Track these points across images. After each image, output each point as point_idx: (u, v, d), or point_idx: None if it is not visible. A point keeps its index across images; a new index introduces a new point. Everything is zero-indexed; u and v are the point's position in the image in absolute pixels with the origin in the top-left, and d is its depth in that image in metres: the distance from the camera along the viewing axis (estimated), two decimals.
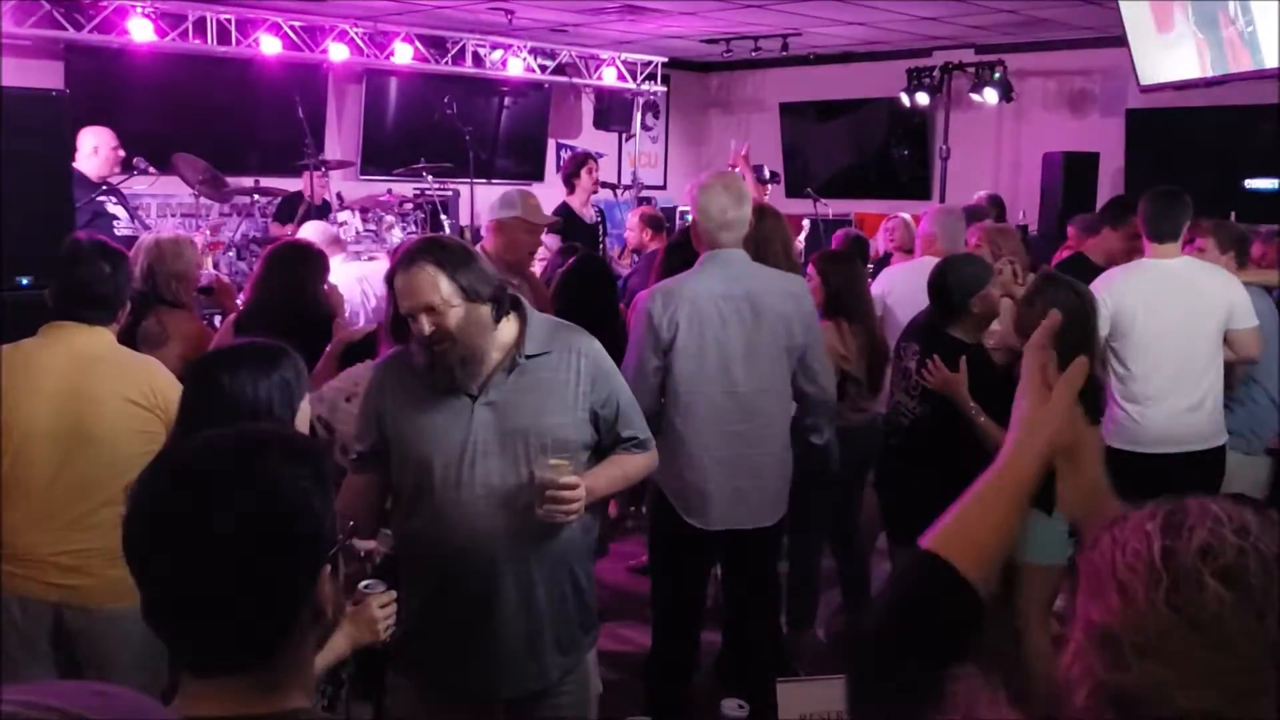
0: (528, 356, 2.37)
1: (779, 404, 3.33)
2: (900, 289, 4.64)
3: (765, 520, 3.33)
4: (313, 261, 3.83)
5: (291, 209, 6.69)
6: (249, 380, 1.97)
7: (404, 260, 2.31)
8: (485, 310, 2.31)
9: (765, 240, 3.63)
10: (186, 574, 1.12)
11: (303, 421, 2.07)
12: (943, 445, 3.37)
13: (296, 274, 3.71)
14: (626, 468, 2.53)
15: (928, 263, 4.76)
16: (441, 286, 2.26)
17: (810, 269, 4.20)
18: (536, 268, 5.00)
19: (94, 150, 5.32)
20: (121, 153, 5.47)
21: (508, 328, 2.38)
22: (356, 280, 4.85)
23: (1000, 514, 1.19)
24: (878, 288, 4.74)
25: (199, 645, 1.15)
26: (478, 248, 4.35)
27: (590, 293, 4.27)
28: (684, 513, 3.27)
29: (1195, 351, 3.92)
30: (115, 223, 5.34)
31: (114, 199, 5.49)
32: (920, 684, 1.04)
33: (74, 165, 5.17)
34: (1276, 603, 0.77)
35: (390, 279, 2.34)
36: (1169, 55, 6.80)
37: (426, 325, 2.27)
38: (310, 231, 4.94)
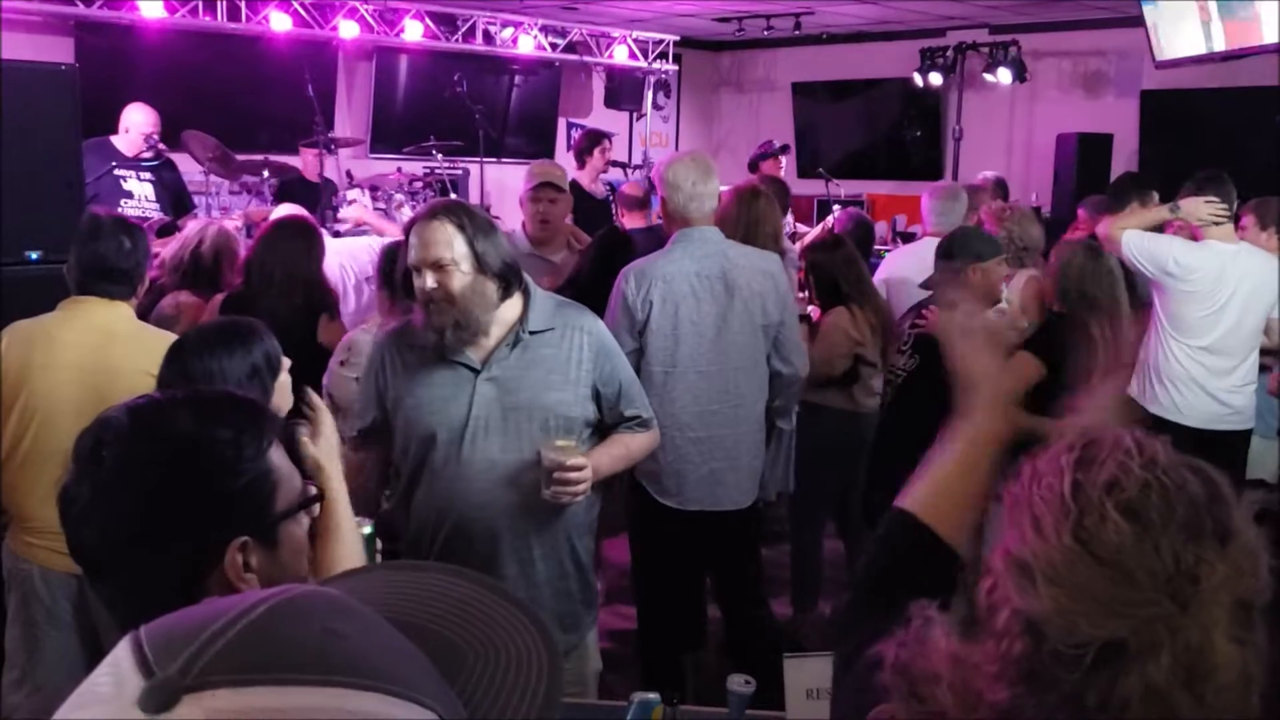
0: (531, 333, 2.37)
1: (754, 383, 3.30)
2: (899, 271, 4.62)
3: (742, 501, 3.30)
4: (311, 237, 3.76)
5: (285, 190, 6.65)
6: (218, 360, 1.95)
7: (426, 213, 2.31)
8: (491, 285, 2.30)
9: (757, 222, 3.61)
10: (82, 537, 1.12)
11: (278, 401, 2.04)
12: (934, 390, 3.32)
13: (294, 250, 3.63)
14: (630, 446, 2.54)
15: (927, 244, 4.74)
16: (456, 246, 2.25)
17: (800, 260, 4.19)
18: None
19: (125, 130, 5.38)
20: (153, 139, 5.44)
21: (512, 304, 2.38)
22: (333, 253, 4.52)
23: (977, 476, 1.22)
24: (882, 271, 4.71)
25: (117, 604, 1.13)
26: (518, 228, 4.39)
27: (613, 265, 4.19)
28: (658, 494, 3.25)
29: (1242, 334, 3.99)
30: (125, 201, 5.31)
31: (143, 175, 5.47)
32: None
33: (110, 137, 5.34)
34: (1173, 535, 0.80)
35: (407, 230, 2.34)
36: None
37: (430, 281, 2.26)
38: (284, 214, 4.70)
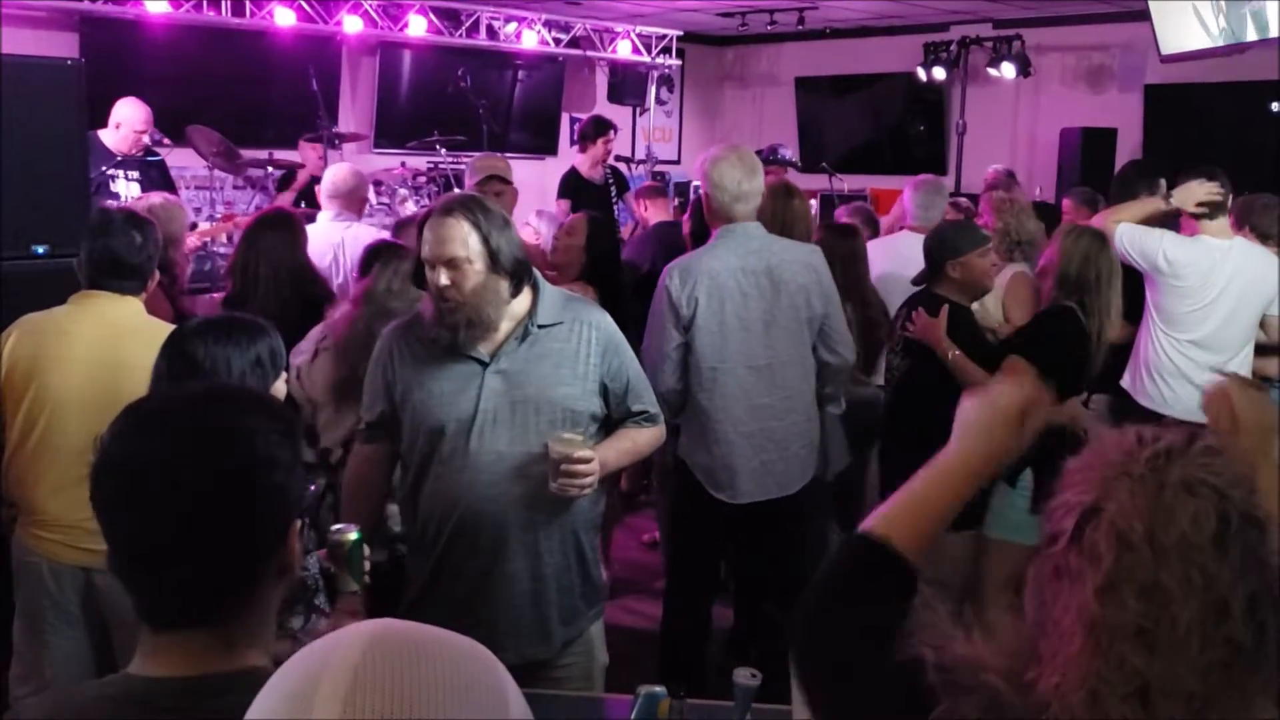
0: (540, 326, 2.37)
1: (801, 375, 3.33)
2: (876, 266, 4.58)
3: (792, 487, 3.33)
4: (291, 229, 3.73)
5: (289, 184, 6.63)
6: (223, 354, 1.96)
7: (441, 208, 2.31)
8: (504, 283, 2.31)
9: (793, 219, 3.63)
10: (153, 522, 1.11)
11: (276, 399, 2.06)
12: (923, 396, 3.33)
13: (274, 244, 3.61)
14: (637, 441, 2.54)
15: (899, 237, 4.71)
16: (470, 243, 2.25)
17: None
18: (527, 234, 4.90)
19: (116, 125, 5.17)
20: (145, 138, 5.27)
21: (521, 297, 2.38)
22: (329, 245, 4.47)
23: (943, 504, 1.29)
24: None
25: (162, 597, 1.14)
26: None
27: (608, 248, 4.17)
28: (712, 489, 3.28)
29: (1234, 329, 3.97)
30: (112, 203, 5.20)
31: (131, 173, 5.36)
32: (869, 627, 1.14)
33: (97, 132, 5.04)
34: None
35: (421, 224, 2.34)
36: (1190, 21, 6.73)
37: (444, 277, 2.27)
38: (334, 174, 4.68)
